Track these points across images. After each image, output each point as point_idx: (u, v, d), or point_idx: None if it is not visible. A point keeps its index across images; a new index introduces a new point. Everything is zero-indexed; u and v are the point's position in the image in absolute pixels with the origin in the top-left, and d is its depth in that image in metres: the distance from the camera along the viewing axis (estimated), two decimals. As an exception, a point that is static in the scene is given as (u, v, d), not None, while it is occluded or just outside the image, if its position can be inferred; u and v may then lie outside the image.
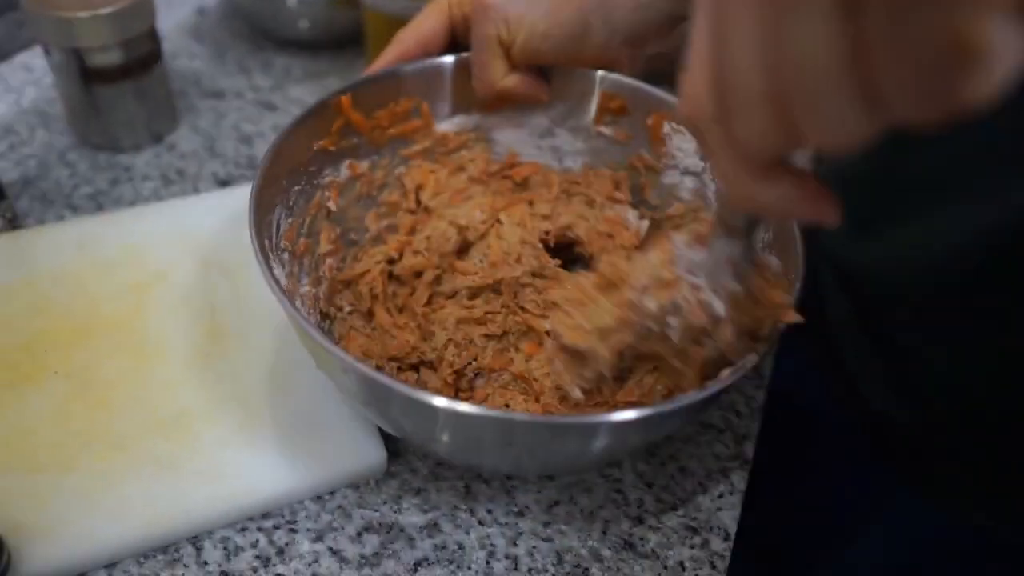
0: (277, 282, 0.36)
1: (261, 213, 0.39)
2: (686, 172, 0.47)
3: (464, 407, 0.31)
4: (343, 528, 0.40)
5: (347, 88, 0.45)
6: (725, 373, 0.34)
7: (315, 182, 0.45)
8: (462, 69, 0.47)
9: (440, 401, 0.31)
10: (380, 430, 0.43)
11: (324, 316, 0.44)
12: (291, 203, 0.43)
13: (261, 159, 0.41)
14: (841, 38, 0.17)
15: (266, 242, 0.39)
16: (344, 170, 0.47)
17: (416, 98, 0.48)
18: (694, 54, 0.23)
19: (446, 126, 0.49)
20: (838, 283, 0.48)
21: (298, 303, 0.41)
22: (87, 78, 0.57)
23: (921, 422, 0.46)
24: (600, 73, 0.47)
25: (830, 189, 0.24)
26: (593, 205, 0.49)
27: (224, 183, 0.59)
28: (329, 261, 0.46)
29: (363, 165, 0.48)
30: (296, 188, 0.44)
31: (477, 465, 0.41)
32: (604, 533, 0.41)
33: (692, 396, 0.33)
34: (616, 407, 0.40)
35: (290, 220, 0.43)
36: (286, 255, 0.42)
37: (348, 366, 0.32)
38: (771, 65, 0.19)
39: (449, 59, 0.47)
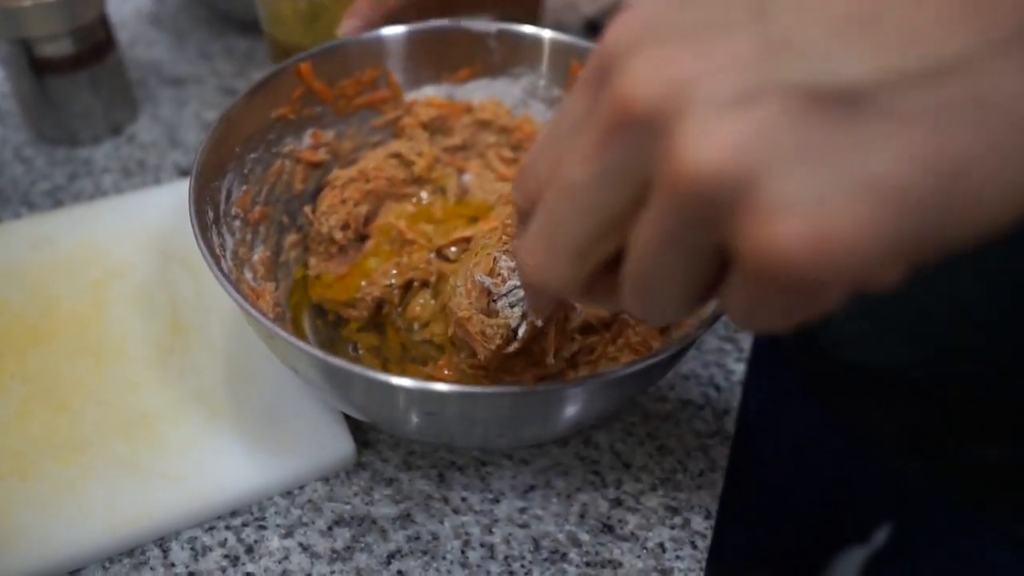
0: (212, 251, 0.36)
1: (206, 178, 0.39)
2: None
3: (425, 385, 0.31)
4: (313, 523, 0.39)
5: (307, 55, 0.44)
6: (677, 334, 0.34)
7: (274, 150, 0.45)
8: (429, 37, 0.47)
9: (401, 381, 0.31)
10: (348, 421, 0.42)
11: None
12: (246, 170, 0.43)
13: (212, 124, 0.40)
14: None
15: (209, 209, 0.39)
16: (307, 139, 0.46)
17: (382, 67, 0.47)
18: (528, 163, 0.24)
19: (416, 96, 0.48)
20: None
21: (247, 272, 0.41)
22: (38, 69, 0.55)
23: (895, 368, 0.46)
24: (571, 41, 0.46)
25: None
26: None
27: (186, 173, 0.57)
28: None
29: (328, 135, 0.47)
30: (252, 156, 0.43)
31: (447, 443, 0.40)
32: (582, 517, 0.40)
33: (636, 363, 0.32)
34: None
35: (244, 188, 0.43)
36: (237, 222, 0.42)
37: (302, 351, 0.32)
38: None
39: (415, 27, 0.46)
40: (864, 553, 0.56)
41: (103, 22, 0.56)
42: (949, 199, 0.17)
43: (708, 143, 0.17)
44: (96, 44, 0.56)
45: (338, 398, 0.36)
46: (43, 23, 0.53)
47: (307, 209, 0.46)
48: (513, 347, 0.35)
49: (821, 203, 0.17)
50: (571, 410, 0.34)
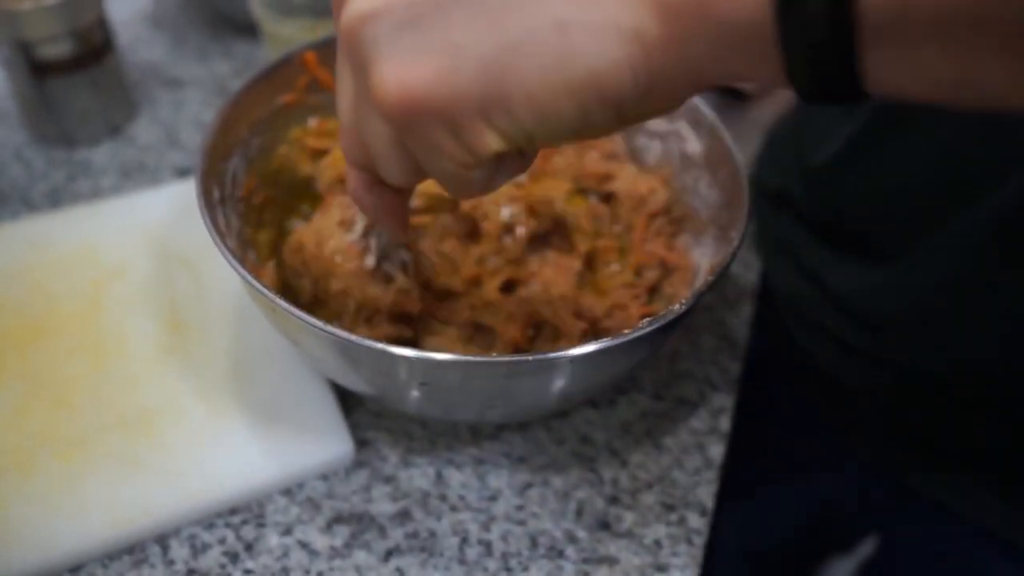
0: (218, 228, 0.37)
1: (214, 158, 0.40)
2: (652, 136, 0.47)
3: (432, 355, 0.32)
4: (312, 520, 0.40)
5: (313, 44, 0.45)
6: (674, 307, 0.35)
7: (279, 136, 0.46)
8: None
9: (407, 352, 0.32)
10: (347, 419, 0.42)
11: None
12: (252, 155, 0.44)
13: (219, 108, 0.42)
14: (392, 139, 0.27)
15: (215, 189, 0.40)
16: (311, 126, 0.47)
17: None
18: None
19: None
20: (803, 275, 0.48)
21: (251, 253, 0.42)
22: (37, 71, 0.55)
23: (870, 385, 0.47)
24: None
25: (404, 211, 0.33)
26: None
27: (185, 174, 0.58)
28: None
29: (332, 123, 0.48)
30: (258, 140, 0.45)
31: (447, 416, 0.41)
32: (579, 514, 0.41)
33: (638, 331, 0.33)
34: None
35: (250, 171, 0.44)
36: (242, 205, 0.43)
37: (312, 326, 0.33)
38: (358, 132, 0.29)
39: None
40: (852, 563, 0.56)
41: (102, 24, 0.56)
42: (502, 70, 0.23)
43: (353, 7, 0.25)
44: (95, 46, 0.56)
45: (339, 370, 0.37)
46: (42, 25, 0.53)
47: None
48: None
49: (413, 55, 0.24)
50: (561, 380, 0.35)
